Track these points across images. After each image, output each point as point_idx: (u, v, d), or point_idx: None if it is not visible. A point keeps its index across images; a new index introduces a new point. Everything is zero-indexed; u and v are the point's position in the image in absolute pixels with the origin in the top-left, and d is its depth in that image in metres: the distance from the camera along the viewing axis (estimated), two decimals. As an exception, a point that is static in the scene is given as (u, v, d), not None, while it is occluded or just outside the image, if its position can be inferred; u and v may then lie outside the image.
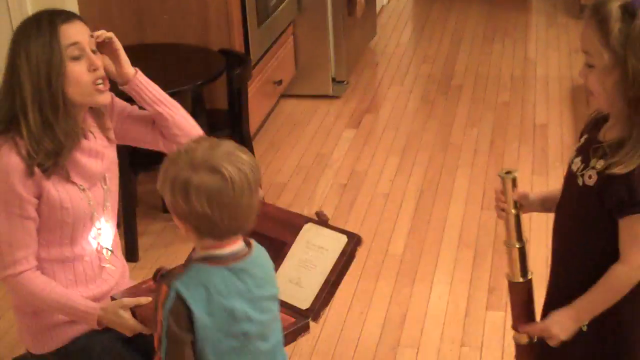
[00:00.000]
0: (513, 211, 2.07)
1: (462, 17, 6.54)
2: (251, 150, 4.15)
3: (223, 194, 1.73)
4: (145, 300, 2.17)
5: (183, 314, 1.78)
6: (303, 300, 2.23)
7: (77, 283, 2.36)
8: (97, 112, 2.37)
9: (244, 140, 4.06)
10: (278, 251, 2.32)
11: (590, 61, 1.91)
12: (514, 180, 2.08)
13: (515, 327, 2.12)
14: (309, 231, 2.34)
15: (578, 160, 2.00)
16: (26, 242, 2.25)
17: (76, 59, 2.19)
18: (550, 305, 2.10)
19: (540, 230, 3.53)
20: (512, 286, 2.10)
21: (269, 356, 1.91)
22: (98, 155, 2.33)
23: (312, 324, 2.19)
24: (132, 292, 2.30)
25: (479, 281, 3.46)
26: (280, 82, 4.81)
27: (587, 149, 1.99)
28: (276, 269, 2.20)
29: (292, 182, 4.26)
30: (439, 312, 3.30)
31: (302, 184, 4.24)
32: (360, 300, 3.36)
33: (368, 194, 4.14)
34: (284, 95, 5.15)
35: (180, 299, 1.77)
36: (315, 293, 2.23)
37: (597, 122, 2.02)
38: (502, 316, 3.22)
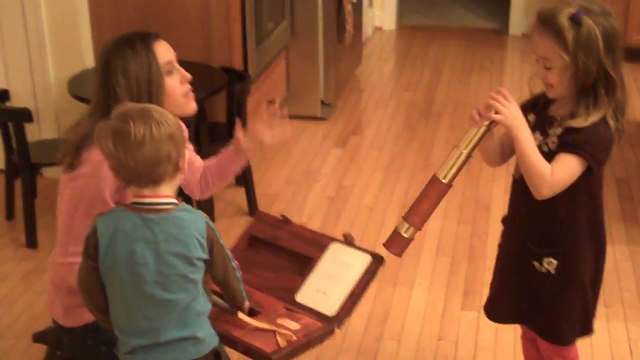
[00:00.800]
0: (484, 125, 2.41)
1: (442, 50, 6.92)
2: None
3: (125, 137, 2.06)
4: None
5: (93, 242, 2.16)
6: (329, 307, 2.47)
7: None
8: None
9: (242, 151, 4.37)
10: (305, 265, 2.58)
11: (548, 64, 2.40)
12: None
13: (406, 218, 2.47)
14: (336, 249, 2.60)
15: (537, 135, 2.46)
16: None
17: (170, 73, 2.46)
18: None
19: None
20: (435, 182, 2.44)
21: (170, 306, 2.15)
22: None
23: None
24: None
25: (454, 285, 3.78)
26: (272, 102, 5.11)
27: (542, 124, 2.47)
28: (303, 280, 2.54)
29: (283, 193, 4.57)
30: (418, 310, 3.61)
31: (293, 196, 4.55)
32: (346, 298, 3.67)
33: (354, 206, 4.46)
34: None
35: (95, 230, 2.16)
36: (341, 303, 2.47)
37: (535, 104, 2.52)
38: (475, 316, 3.53)
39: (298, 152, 5.09)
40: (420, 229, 2.48)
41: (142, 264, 2.13)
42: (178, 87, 2.49)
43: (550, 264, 2.56)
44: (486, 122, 2.42)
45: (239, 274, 2.32)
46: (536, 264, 2.57)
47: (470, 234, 4.18)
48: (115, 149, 2.09)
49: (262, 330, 2.38)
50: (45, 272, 3.32)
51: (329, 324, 2.43)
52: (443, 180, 2.43)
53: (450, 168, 2.43)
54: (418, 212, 2.46)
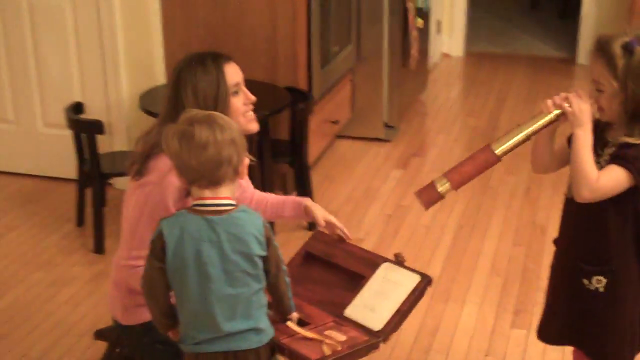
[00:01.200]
0: (553, 113, 2.48)
1: (508, 78, 6.98)
2: (308, 177, 4.60)
3: (190, 138, 2.21)
4: None
5: (159, 245, 2.28)
6: (376, 323, 2.53)
7: None
8: None
9: (302, 168, 4.52)
10: (356, 282, 2.66)
11: (600, 87, 2.48)
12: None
13: (446, 174, 2.54)
14: (387, 269, 2.67)
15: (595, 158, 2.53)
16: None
17: (235, 93, 2.61)
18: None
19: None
20: (486, 150, 2.52)
21: (235, 301, 2.29)
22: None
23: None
24: None
25: (506, 304, 3.84)
26: (336, 122, 5.27)
27: (596, 146, 2.53)
28: (352, 296, 2.63)
29: (342, 210, 4.69)
30: (468, 326, 3.68)
31: (352, 212, 4.67)
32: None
33: (411, 225, 4.56)
34: (340, 136, 5.60)
35: (160, 233, 2.28)
36: (388, 318, 2.54)
37: (595, 127, 2.54)
38: (524, 334, 3.59)
39: (360, 172, 5.21)
40: (455, 189, 2.53)
41: (208, 263, 2.26)
42: (241, 108, 2.63)
43: (599, 282, 2.62)
44: (556, 111, 2.49)
45: (288, 279, 2.43)
46: (585, 281, 2.64)
47: (525, 255, 4.24)
48: (180, 149, 2.24)
49: (310, 339, 2.46)
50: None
51: (374, 338, 2.50)
52: (495, 151, 2.50)
53: (506, 142, 2.51)
54: (459, 172, 2.54)
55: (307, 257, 2.83)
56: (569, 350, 2.95)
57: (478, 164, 2.53)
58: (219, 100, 2.56)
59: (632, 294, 2.65)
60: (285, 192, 4.79)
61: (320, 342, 2.45)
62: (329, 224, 2.81)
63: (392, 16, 5.50)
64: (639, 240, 2.62)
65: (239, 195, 2.69)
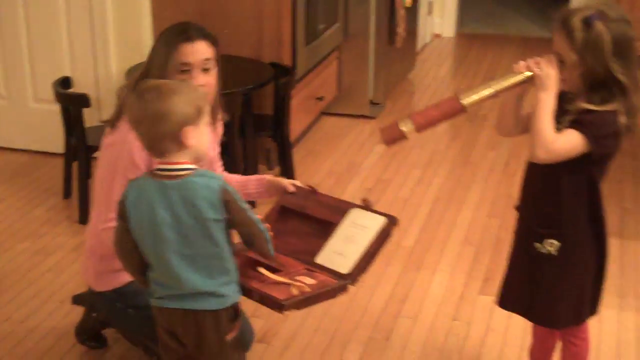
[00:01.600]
0: (523, 75, 2.58)
1: (498, 57, 7.08)
2: (289, 153, 4.72)
3: (131, 111, 2.34)
4: None
5: (122, 206, 2.42)
6: (344, 266, 2.66)
7: None
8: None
9: (284, 140, 4.64)
10: (326, 229, 2.77)
11: (561, 59, 2.56)
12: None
13: (411, 115, 2.61)
14: (355, 214, 2.78)
15: (556, 126, 2.62)
16: None
17: (183, 72, 2.71)
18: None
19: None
20: (452, 99, 2.60)
21: (192, 263, 2.38)
22: None
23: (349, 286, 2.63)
24: None
25: (476, 272, 3.96)
26: (321, 98, 5.38)
27: (559, 114, 2.62)
28: (323, 244, 2.74)
29: (324, 183, 4.81)
30: (437, 293, 3.80)
31: (333, 186, 4.78)
32: (370, 279, 3.86)
33: (390, 198, 4.67)
34: (325, 113, 5.72)
35: (124, 195, 2.41)
36: (355, 261, 2.65)
37: (560, 97, 2.63)
38: (492, 300, 3.66)
39: (343, 147, 5.33)
40: (417, 131, 2.60)
41: (162, 225, 2.36)
42: None
43: (552, 245, 2.73)
44: (527, 73, 2.58)
45: (268, 235, 2.48)
46: (537, 244, 2.75)
47: (499, 226, 4.35)
48: (130, 122, 2.37)
49: (280, 283, 2.58)
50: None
51: (343, 281, 2.62)
52: (461, 101, 2.59)
53: (473, 95, 2.60)
54: (423, 115, 2.61)
55: (282, 211, 2.91)
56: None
57: (443, 110, 2.61)
58: (163, 72, 2.68)
59: (583, 259, 2.76)
60: (269, 166, 4.91)
61: (289, 285, 2.55)
62: (296, 186, 2.93)
63: (378, -5, 5.61)
64: (592, 207, 2.73)
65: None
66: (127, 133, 2.65)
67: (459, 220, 4.44)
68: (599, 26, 2.50)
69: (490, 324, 3.58)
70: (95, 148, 4.42)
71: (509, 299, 2.96)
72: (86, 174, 4.34)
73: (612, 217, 4.34)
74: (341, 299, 3.65)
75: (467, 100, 2.59)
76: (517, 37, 7.65)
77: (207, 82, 2.75)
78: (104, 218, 2.79)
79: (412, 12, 6.36)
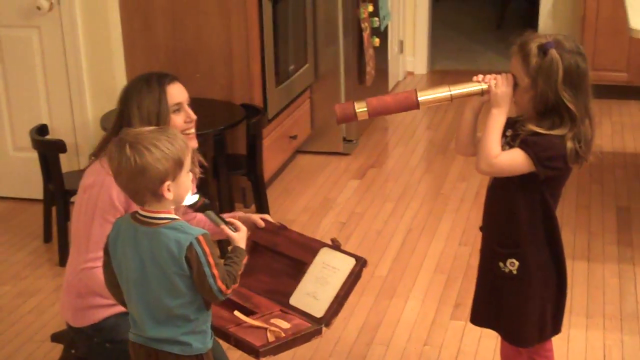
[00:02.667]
0: (479, 86, 2.71)
1: (469, 92, 7.21)
2: (263, 191, 4.84)
3: (111, 162, 2.36)
4: None
5: (107, 240, 2.49)
6: (318, 310, 2.71)
7: None
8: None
9: (258, 179, 4.76)
10: (298, 268, 2.84)
11: (516, 81, 2.70)
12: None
13: (367, 98, 2.70)
14: (325, 254, 2.84)
15: (507, 147, 2.76)
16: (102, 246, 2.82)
17: (177, 111, 2.84)
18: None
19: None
20: (410, 92, 2.71)
21: (155, 308, 2.42)
22: None
23: (324, 329, 2.69)
24: None
25: (447, 298, 4.06)
26: (295, 137, 5.51)
27: (513, 139, 2.76)
28: (296, 284, 2.81)
29: (299, 219, 4.92)
30: (409, 319, 3.90)
31: (308, 221, 4.90)
32: (345, 309, 3.94)
33: (363, 230, 4.78)
34: (300, 151, 5.85)
35: (111, 231, 2.49)
36: (328, 305, 2.71)
37: (515, 122, 2.78)
38: (462, 325, 3.81)
39: (317, 184, 5.44)
40: (370, 115, 2.69)
41: (131, 269, 2.43)
42: (181, 125, 2.83)
43: (513, 265, 2.85)
44: (483, 86, 2.71)
45: (217, 291, 2.40)
46: (501, 264, 2.86)
47: (469, 254, 4.46)
48: (111, 170, 2.43)
49: (256, 327, 2.65)
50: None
51: (316, 324, 2.68)
52: (418, 97, 2.70)
53: (429, 94, 2.72)
54: (379, 100, 2.71)
55: (255, 247, 2.98)
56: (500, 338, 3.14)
57: (398, 100, 2.71)
58: (160, 117, 2.78)
59: (542, 277, 2.87)
60: (245, 205, 5.02)
61: (265, 329, 2.62)
62: (266, 221, 3.02)
63: (347, 36, 5.76)
64: (548, 228, 2.85)
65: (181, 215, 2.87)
66: (105, 175, 2.75)
67: (430, 249, 4.55)
68: (554, 54, 2.63)
69: (461, 347, 3.68)
70: (73, 192, 4.53)
71: (478, 316, 3.07)
72: (65, 218, 4.44)
73: (579, 240, 4.52)
74: (315, 328, 3.78)
75: (423, 97, 2.71)
76: (488, 71, 7.78)
77: (195, 116, 2.90)
78: (83, 258, 2.87)
79: (382, 51, 6.52)
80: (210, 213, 2.60)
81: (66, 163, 4.45)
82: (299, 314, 2.74)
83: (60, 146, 4.34)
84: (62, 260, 4.41)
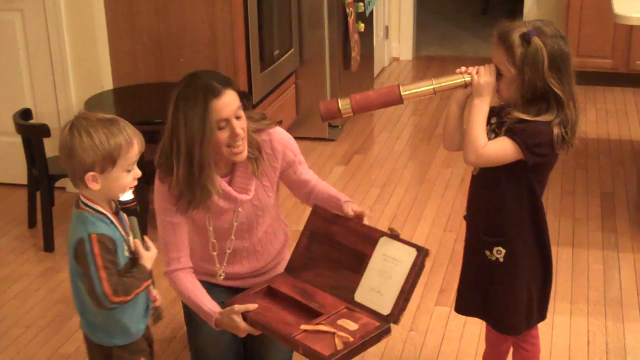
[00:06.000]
0: (462, 79, 2.73)
1: (454, 78, 7.22)
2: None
3: (63, 135, 2.40)
4: (252, 306, 2.68)
5: None
6: (384, 307, 2.63)
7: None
8: (253, 161, 2.88)
9: (243, 164, 4.74)
10: (359, 261, 2.74)
11: (499, 72, 2.69)
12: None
13: (350, 94, 2.72)
14: (385, 244, 2.73)
15: (492, 135, 2.77)
16: (177, 245, 2.86)
17: (222, 128, 2.68)
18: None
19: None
20: (393, 88, 2.71)
21: (75, 292, 2.52)
22: (231, 199, 2.87)
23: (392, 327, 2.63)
24: (243, 298, 2.78)
25: (432, 284, 4.07)
26: (280, 122, 5.47)
27: (498, 127, 2.77)
28: (359, 278, 2.71)
29: (284, 205, 4.90)
30: (395, 305, 3.90)
31: (293, 207, 4.89)
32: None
33: (348, 216, 4.78)
34: (285, 137, 5.82)
35: None
36: (394, 301, 2.62)
37: (501, 109, 2.79)
38: (447, 310, 3.81)
39: (303, 170, 5.43)
40: (354, 112, 2.70)
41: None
42: (225, 140, 2.71)
43: (499, 253, 2.85)
44: (466, 78, 2.72)
45: (105, 300, 2.43)
46: (487, 252, 2.87)
47: (455, 240, 4.47)
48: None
49: (322, 332, 2.56)
50: (59, 272, 3.76)
51: (385, 323, 2.60)
52: (401, 92, 2.70)
53: (413, 89, 2.73)
54: (362, 95, 2.73)
55: (312, 237, 2.91)
56: (485, 324, 3.16)
57: (381, 96, 2.71)
58: (205, 134, 2.65)
59: (528, 265, 2.88)
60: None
61: (333, 334, 2.54)
62: (320, 208, 2.95)
63: (332, 21, 5.74)
64: (534, 215, 2.85)
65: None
66: (157, 178, 2.82)
67: (416, 235, 4.55)
68: (537, 42, 2.63)
69: (446, 333, 3.69)
70: (57, 177, 4.51)
71: (464, 305, 3.07)
72: (49, 203, 4.42)
73: (564, 226, 4.53)
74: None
75: (406, 92, 2.71)
76: (473, 57, 7.79)
77: (242, 128, 2.75)
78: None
79: (367, 36, 6.51)
80: (134, 220, 2.58)
81: (50, 147, 4.42)
82: (365, 311, 2.65)
83: (44, 130, 4.31)
84: (47, 246, 4.40)
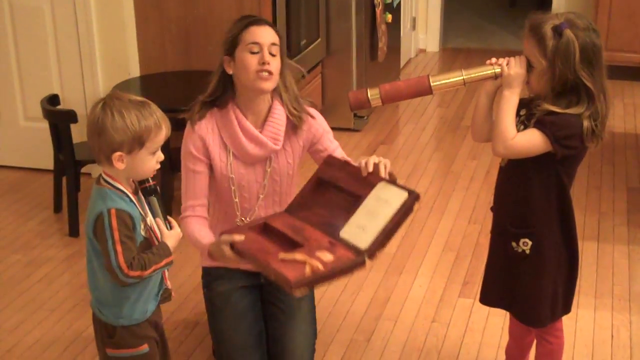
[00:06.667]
0: (493, 70, 2.73)
1: (481, 71, 7.18)
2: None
3: (90, 113, 2.46)
4: (238, 237, 2.73)
5: None
6: (363, 241, 2.62)
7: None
8: (294, 124, 3.01)
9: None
10: (354, 203, 2.75)
11: (530, 63, 2.68)
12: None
13: (380, 84, 2.74)
14: (381, 188, 2.72)
15: (521, 127, 2.76)
16: (195, 194, 2.97)
17: (254, 53, 2.83)
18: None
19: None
20: (423, 78, 2.73)
21: (89, 267, 2.55)
22: (261, 145, 2.96)
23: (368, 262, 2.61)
24: (236, 231, 2.84)
25: (455, 276, 4.06)
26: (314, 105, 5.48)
27: (527, 119, 2.76)
28: (349, 217, 2.71)
29: (308, 194, 4.91)
30: (418, 296, 3.90)
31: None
32: (353, 285, 3.97)
33: (373, 206, 4.77)
34: (310, 126, 5.82)
35: None
36: (375, 236, 2.62)
37: (531, 101, 2.78)
38: (471, 302, 3.81)
39: (328, 160, 5.42)
40: (383, 102, 2.73)
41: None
42: (253, 66, 2.83)
43: (525, 245, 2.84)
44: (496, 69, 2.72)
45: (120, 274, 2.44)
46: (514, 244, 2.86)
47: (479, 232, 4.45)
48: None
49: (299, 262, 2.57)
50: (84, 257, 3.72)
51: (360, 256, 2.60)
52: (430, 82, 2.72)
53: (443, 79, 2.75)
54: (392, 85, 2.74)
55: (320, 183, 2.94)
56: (509, 315, 3.16)
57: (411, 87, 2.72)
58: (235, 45, 2.86)
59: (555, 257, 2.87)
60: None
61: (304, 263, 2.57)
62: (332, 157, 3.00)
63: (359, 12, 5.73)
64: (562, 208, 2.84)
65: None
66: (187, 126, 2.94)
67: (440, 227, 4.54)
68: (569, 34, 2.62)
69: (469, 324, 3.68)
70: (84, 163, 4.54)
71: (489, 296, 3.06)
72: (75, 189, 4.45)
73: (589, 220, 4.50)
74: (324, 303, 3.79)
75: (436, 82, 2.73)
76: (500, 50, 7.76)
77: (274, 65, 2.86)
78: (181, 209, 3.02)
79: (394, 28, 6.49)
80: (154, 200, 2.60)
81: (77, 133, 4.44)
82: (346, 245, 2.66)
83: (71, 116, 4.33)
84: (72, 231, 4.43)
